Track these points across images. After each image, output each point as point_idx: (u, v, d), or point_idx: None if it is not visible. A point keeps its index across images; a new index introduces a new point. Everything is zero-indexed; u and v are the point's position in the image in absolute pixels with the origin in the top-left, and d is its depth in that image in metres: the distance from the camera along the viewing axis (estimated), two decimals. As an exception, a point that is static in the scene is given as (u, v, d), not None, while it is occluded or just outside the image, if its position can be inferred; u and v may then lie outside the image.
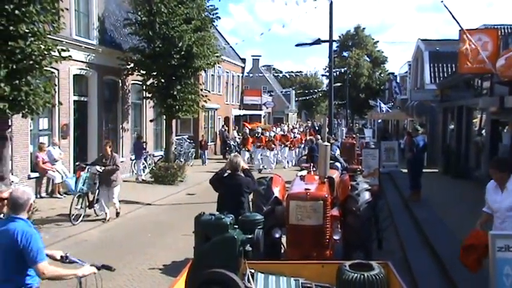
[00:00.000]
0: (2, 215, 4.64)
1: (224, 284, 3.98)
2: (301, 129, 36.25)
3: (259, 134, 25.23)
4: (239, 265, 4.24)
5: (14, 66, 9.56)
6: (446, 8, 12.83)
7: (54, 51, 10.54)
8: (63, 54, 10.82)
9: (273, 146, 24.60)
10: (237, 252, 4.16)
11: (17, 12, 9.47)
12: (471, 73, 16.43)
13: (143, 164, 19.95)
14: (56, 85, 13.41)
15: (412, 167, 14.68)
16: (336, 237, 7.88)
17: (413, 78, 33.35)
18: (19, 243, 4.08)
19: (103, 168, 12.02)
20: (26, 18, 9.67)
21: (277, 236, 7.93)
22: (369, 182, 10.13)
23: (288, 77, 73.42)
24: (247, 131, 28.43)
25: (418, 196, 14.35)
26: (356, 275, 4.04)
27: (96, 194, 12.41)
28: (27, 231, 4.16)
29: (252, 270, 4.82)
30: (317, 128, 40.60)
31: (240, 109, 41.21)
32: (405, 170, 16.42)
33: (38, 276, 4.18)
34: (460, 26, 13.62)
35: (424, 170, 15.12)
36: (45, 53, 10.25)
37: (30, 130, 14.52)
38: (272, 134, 26.05)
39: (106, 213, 12.37)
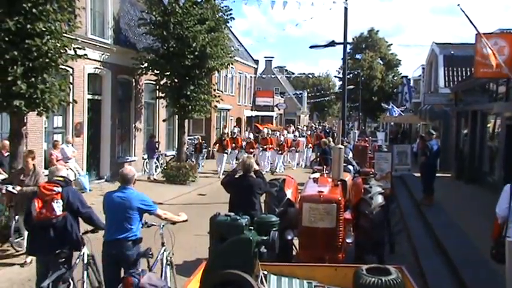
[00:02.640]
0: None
1: (239, 285, 3.98)
2: (309, 132, 34.12)
3: (235, 135, 23.96)
4: (254, 266, 4.24)
5: (30, 64, 9.63)
6: (463, 11, 12.71)
7: (70, 50, 10.62)
8: (79, 52, 10.90)
9: (251, 150, 22.84)
10: (252, 253, 4.16)
11: (34, 10, 9.54)
12: (487, 77, 16.26)
13: (155, 163, 20.01)
14: (70, 83, 13.49)
15: (426, 171, 14.57)
16: (348, 240, 7.86)
17: (427, 81, 33.15)
18: (135, 204, 5.81)
19: (18, 188, 8.65)
20: (43, 16, 9.74)
21: (289, 237, 7.92)
22: (381, 186, 10.08)
23: (301, 78, 73.42)
24: (227, 131, 26.55)
25: (431, 200, 14.24)
26: (373, 279, 4.01)
27: (14, 222, 9.05)
28: (138, 194, 5.94)
29: (265, 272, 4.81)
30: (322, 131, 38.72)
31: (252, 110, 41.23)
32: (418, 174, 16.30)
33: (158, 217, 6.32)
34: (476, 29, 13.48)
35: (436, 175, 15.00)
36: (61, 51, 10.32)
37: (45, 128, 14.65)
38: (252, 136, 24.26)
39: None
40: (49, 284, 5.56)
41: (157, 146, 20.29)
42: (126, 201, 5.78)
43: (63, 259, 5.89)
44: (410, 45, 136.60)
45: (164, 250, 6.75)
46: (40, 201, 5.85)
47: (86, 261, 6.22)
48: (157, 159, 20.44)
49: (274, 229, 4.62)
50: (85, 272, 6.16)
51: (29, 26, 9.48)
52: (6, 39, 9.42)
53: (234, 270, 4.02)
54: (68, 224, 5.91)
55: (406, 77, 51.38)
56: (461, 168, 20.24)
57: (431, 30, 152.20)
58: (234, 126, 33.23)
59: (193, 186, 18.38)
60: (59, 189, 5.96)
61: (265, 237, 4.39)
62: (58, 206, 5.87)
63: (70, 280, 5.86)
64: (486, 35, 14.07)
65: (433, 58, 29.67)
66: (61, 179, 6.15)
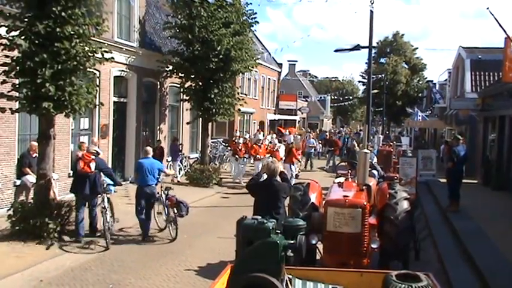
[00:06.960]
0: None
1: (265, 289, 3.96)
2: (307, 137, 30.40)
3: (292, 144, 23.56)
4: (280, 270, 4.21)
5: (59, 67, 9.81)
6: (492, 14, 12.53)
7: (98, 53, 10.76)
8: (106, 56, 11.03)
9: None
10: (279, 257, 4.14)
11: (63, 14, 9.73)
12: (516, 82, 15.97)
13: (179, 165, 20.13)
14: (97, 86, 13.67)
15: (452, 176, 14.35)
16: (373, 245, 7.75)
17: (453, 86, 32.66)
18: (157, 165, 10.83)
19: None
20: (72, 20, 9.93)
21: (313, 242, 7.85)
22: (407, 191, 9.94)
23: (324, 82, 73.02)
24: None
25: (457, 206, 14.01)
26: (404, 286, 3.92)
27: None
28: (156, 160, 11.28)
29: (290, 276, 4.78)
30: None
31: (275, 114, 41.19)
32: (443, 180, 16.05)
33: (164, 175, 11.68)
34: (506, 33, 13.27)
35: (462, 181, 14.75)
36: (89, 54, 10.48)
37: (72, 129, 14.87)
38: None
39: None
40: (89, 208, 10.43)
41: (180, 148, 20.41)
42: (152, 163, 10.77)
43: (94, 196, 10.32)
44: (437, 49, 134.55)
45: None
46: (83, 162, 10.16)
47: (106, 198, 10.30)
48: (181, 161, 20.55)
49: (301, 233, 4.59)
50: (107, 203, 10.24)
51: (58, 29, 9.66)
52: (36, 42, 9.63)
53: (260, 274, 4.00)
54: (97, 178, 10.30)
55: (431, 81, 50.71)
56: (488, 175, 19.86)
57: (460, 34, 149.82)
58: (257, 130, 33.24)
59: (216, 188, 18.44)
60: (93, 157, 10.34)
61: (292, 241, 4.36)
62: (93, 166, 10.20)
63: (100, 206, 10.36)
64: (515, 39, 13.84)
65: (460, 62, 29.21)
66: (94, 151, 10.65)
